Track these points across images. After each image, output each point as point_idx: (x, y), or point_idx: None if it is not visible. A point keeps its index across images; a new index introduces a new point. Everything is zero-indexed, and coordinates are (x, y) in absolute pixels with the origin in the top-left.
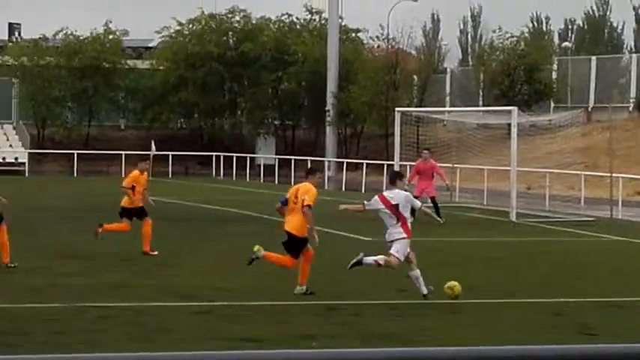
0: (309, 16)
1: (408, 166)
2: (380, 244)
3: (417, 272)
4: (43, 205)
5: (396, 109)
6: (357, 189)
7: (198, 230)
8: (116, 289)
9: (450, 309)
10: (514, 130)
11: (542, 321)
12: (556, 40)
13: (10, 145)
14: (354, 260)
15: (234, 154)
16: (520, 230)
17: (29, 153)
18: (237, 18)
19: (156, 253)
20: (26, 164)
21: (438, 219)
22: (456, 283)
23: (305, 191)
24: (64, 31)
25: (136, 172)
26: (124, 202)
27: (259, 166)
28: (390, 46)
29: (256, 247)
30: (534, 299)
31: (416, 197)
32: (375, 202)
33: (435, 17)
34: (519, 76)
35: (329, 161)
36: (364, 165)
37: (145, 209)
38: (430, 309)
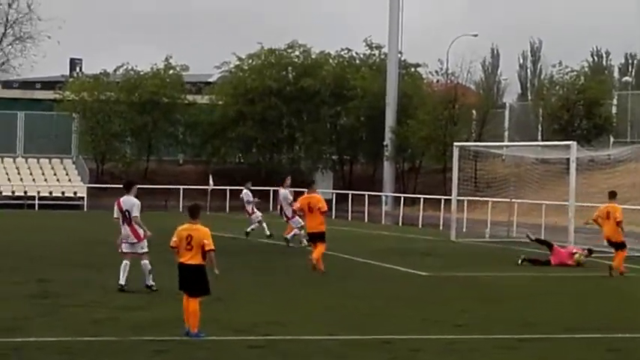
0: (369, 50)
1: (465, 201)
2: (435, 279)
3: None
4: (102, 239)
5: (455, 143)
6: (414, 224)
7: (255, 264)
8: (173, 322)
9: (508, 344)
10: (573, 165)
11: (600, 357)
12: (616, 74)
13: (70, 180)
14: None
15: (293, 189)
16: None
17: (88, 187)
18: (297, 53)
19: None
20: (85, 199)
21: None
22: None
23: (317, 201)
24: (125, 67)
25: None
26: None
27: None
28: (449, 81)
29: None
30: (593, 335)
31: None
32: None
33: (495, 52)
34: (579, 111)
35: (386, 196)
36: (421, 200)
37: None
38: (487, 344)
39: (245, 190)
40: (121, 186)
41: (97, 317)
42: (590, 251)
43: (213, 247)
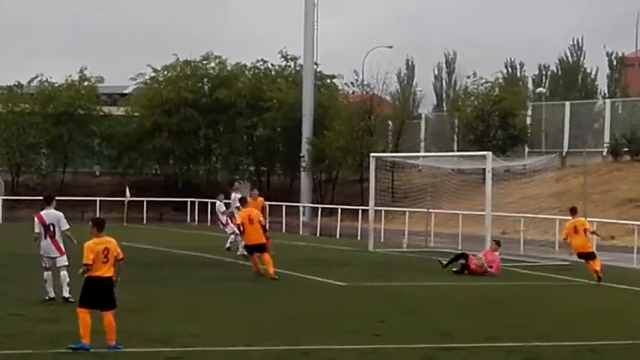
0: (285, 62)
1: (382, 211)
2: (353, 289)
3: None
4: (17, 252)
5: (371, 154)
6: (332, 234)
7: (171, 275)
8: (89, 335)
9: (425, 353)
10: (489, 175)
11: None
12: (530, 85)
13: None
14: None
15: (209, 200)
16: (495, 275)
17: (3, 199)
18: (213, 64)
19: None
20: (0, 211)
21: None
22: None
23: (257, 215)
24: (39, 78)
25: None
26: None
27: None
28: (364, 92)
29: None
30: (509, 343)
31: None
32: None
33: (410, 63)
34: (494, 122)
35: (304, 206)
36: (339, 210)
37: None
38: (405, 354)
39: (218, 202)
40: (37, 198)
41: (13, 330)
42: (498, 243)
43: (123, 256)
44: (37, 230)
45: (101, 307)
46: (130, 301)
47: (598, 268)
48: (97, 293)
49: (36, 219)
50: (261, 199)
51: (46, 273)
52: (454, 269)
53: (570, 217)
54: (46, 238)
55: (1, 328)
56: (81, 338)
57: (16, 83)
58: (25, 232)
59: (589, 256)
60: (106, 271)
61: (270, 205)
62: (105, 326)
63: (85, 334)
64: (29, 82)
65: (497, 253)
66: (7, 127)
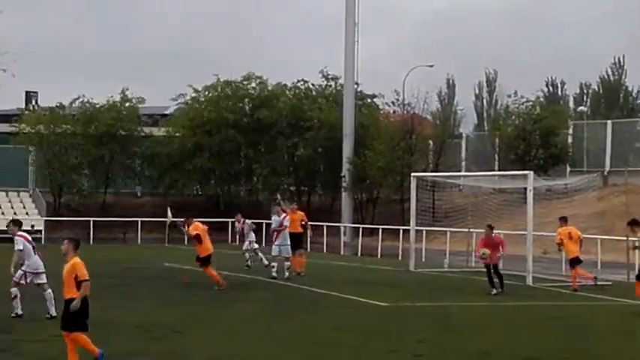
0: (325, 82)
1: (423, 231)
2: (394, 309)
3: None
4: (59, 272)
5: (412, 174)
6: (373, 254)
7: (213, 296)
8: (131, 356)
9: None
10: (530, 195)
11: None
12: (571, 104)
13: (27, 213)
14: None
15: (251, 220)
16: (537, 294)
17: (45, 220)
18: (253, 84)
19: None
20: (42, 231)
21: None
22: None
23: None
24: (81, 99)
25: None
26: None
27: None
28: (405, 112)
29: None
30: None
31: None
32: None
33: (451, 82)
34: (535, 141)
35: (345, 227)
36: (380, 230)
37: None
38: None
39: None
40: (79, 219)
41: (53, 352)
42: (490, 227)
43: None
44: (21, 248)
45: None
46: (172, 322)
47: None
48: (84, 313)
49: (20, 239)
50: (300, 213)
51: (14, 289)
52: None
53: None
54: (35, 254)
55: (43, 350)
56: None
57: (58, 104)
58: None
59: (577, 261)
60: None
61: (311, 225)
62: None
63: (91, 348)
64: (71, 104)
65: (494, 234)
66: (49, 148)
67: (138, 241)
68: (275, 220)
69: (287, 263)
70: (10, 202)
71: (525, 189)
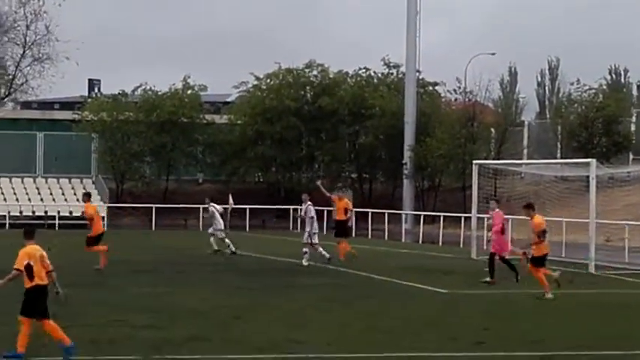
0: (387, 69)
1: (485, 219)
2: (456, 296)
3: None
4: (122, 258)
5: (474, 161)
6: (435, 242)
7: (273, 283)
8: (191, 341)
9: None
10: (593, 183)
11: None
12: (634, 91)
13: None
14: None
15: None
16: (600, 282)
17: (108, 207)
18: (315, 72)
19: None
20: (105, 218)
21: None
22: None
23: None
24: (143, 87)
25: None
26: None
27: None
28: (467, 99)
29: None
30: (612, 351)
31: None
32: None
33: (513, 70)
34: (597, 129)
35: (406, 214)
36: (441, 218)
37: None
38: None
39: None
40: (142, 205)
41: (115, 336)
42: (497, 200)
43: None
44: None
45: (44, 316)
46: (233, 307)
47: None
48: (41, 302)
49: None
50: (345, 200)
51: None
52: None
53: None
54: None
55: (102, 334)
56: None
57: (121, 92)
58: (129, 239)
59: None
60: (44, 279)
61: (372, 212)
62: (54, 332)
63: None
64: (133, 91)
65: (497, 210)
66: (111, 136)
67: (199, 228)
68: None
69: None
70: (73, 188)
71: (588, 177)
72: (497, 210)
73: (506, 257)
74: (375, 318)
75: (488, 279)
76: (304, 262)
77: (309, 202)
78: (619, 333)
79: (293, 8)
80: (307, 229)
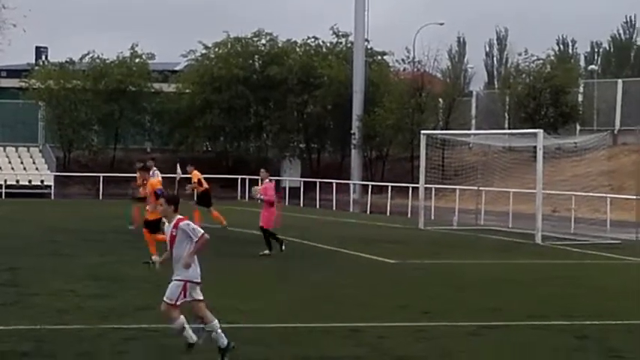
0: (336, 39)
1: (433, 189)
2: (404, 266)
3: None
4: (69, 227)
5: (422, 131)
6: (383, 212)
7: (219, 253)
8: (140, 310)
9: (475, 331)
10: (540, 153)
11: (567, 344)
12: (582, 63)
13: (37, 168)
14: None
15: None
16: (545, 253)
17: (55, 176)
18: (263, 41)
19: None
20: (52, 187)
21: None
22: None
23: None
24: (91, 55)
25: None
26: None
27: (284, 188)
28: (415, 69)
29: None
30: (559, 322)
31: None
32: None
33: (461, 40)
34: (545, 99)
35: (354, 184)
36: (389, 188)
37: None
38: (455, 331)
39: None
40: (88, 174)
41: (64, 306)
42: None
43: None
44: None
45: None
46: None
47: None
48: None
49: None
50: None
51: None
52: None
53: None
54: None
55: (53, 303)
56: None
57: (68, 60)
58: (76, 208)
59: None
60: None
61: (320, 182)
62: None
63: None
64: (81, 59)
65: (267, 181)
66: (59, 104)
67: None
68: None
69: None
70: (20, 157)
71: (535, 147)
72: (267, 181)
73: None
74: (324, 288)
75: (266, 251)
76: None
77: None
78: (563, 303)
79: None
80: None
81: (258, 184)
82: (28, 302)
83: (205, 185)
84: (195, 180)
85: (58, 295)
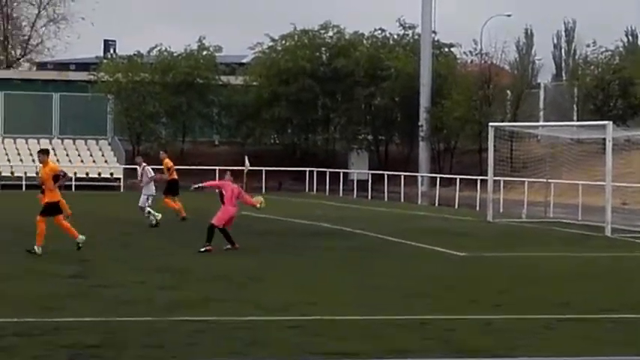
0: (403, 31)
1: (501, 182)
2: (472, 259)
3: None
4: (138, 220)
5: (490, 124)
6: (450, 204)
7: (290, 244)
8: (210, 302)
9: (545, 324)
10: (609, 145)
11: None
12: None
13: (106, 161)
14: None
15: (327, 170)
16: (616, 245)
17: (124, 168)
18: (330, 34)
19: None
20: (121, 180)
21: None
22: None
23: None
24: (158, 48)
25: None
26: None
27: (352, 181)
28: (483, 61)
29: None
30: (630, 315)
31: None
32: None
33: (529, 32)
34: (614, 91)
35: (422, 176)
36: (457, 180)
37: None
38: (525, 324)
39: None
40: (158, 167)
41: (133, 297)
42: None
43: None
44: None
45: None
46: (248, 269)
47: None
48: None
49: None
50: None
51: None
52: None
53: None
54: None
55: (121, 295)
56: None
57: (136, 53)
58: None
59: None
60: None
61: (388, 174)
62: None
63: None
64: (149, 52)
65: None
66: (127, 97)
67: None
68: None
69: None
70: (89, 150)
71: (604, 139)
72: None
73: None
74: (392, 280)
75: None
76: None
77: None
78: (635, 297)
79: None
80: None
81: (325, 177)
82: (98, 294)
83: (174, 175)
84: (166, 168)
85: (127, 287)
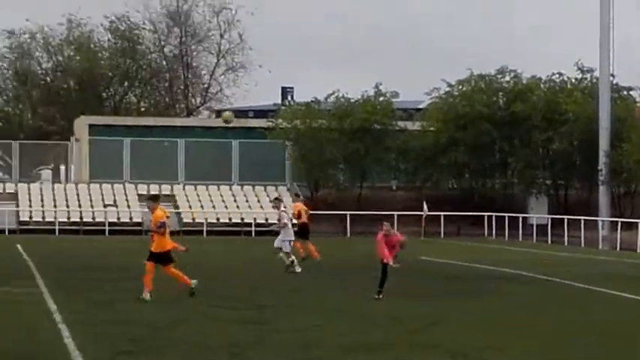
0: (580, 74)
1: None
2: None
3: None
4: (308, 265)
5: None
6: (632, 248)
7: (470, 288)
8: (386, 347)
9: None
10: None
11: None
12: None
13: (285, 207)
14: None
15: (506, 214)
16: None
17: None
18: (507, 78)
19: None
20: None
21: None
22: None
23: None
24: (335, 94)
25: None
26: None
27: (532, 225)
28: None
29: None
30: None
31: None
32: None
33: None
34: None
35: (602, 221)
36: (639, 224)
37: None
38: None
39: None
40: (335, 212)
41: (307, 341)
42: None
43: None
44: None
45: None
46: (428, 313)
47: None
48: None
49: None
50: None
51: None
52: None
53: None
54: None
55: (295, 338)
56: None
57: (313, 99)
58: (323, 246)
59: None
60: None
61: (568, 219)
62: None
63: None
64: (326, 98)
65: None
66: (305, 143)
67: None
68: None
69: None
70: (268, 196)
71: None
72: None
73: None
74: (575, 326)
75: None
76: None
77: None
78: None
79: (481, 13)
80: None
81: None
82: (271, 338)
83: (304, 219)
84: (296, 212)
85: (302, 331)
